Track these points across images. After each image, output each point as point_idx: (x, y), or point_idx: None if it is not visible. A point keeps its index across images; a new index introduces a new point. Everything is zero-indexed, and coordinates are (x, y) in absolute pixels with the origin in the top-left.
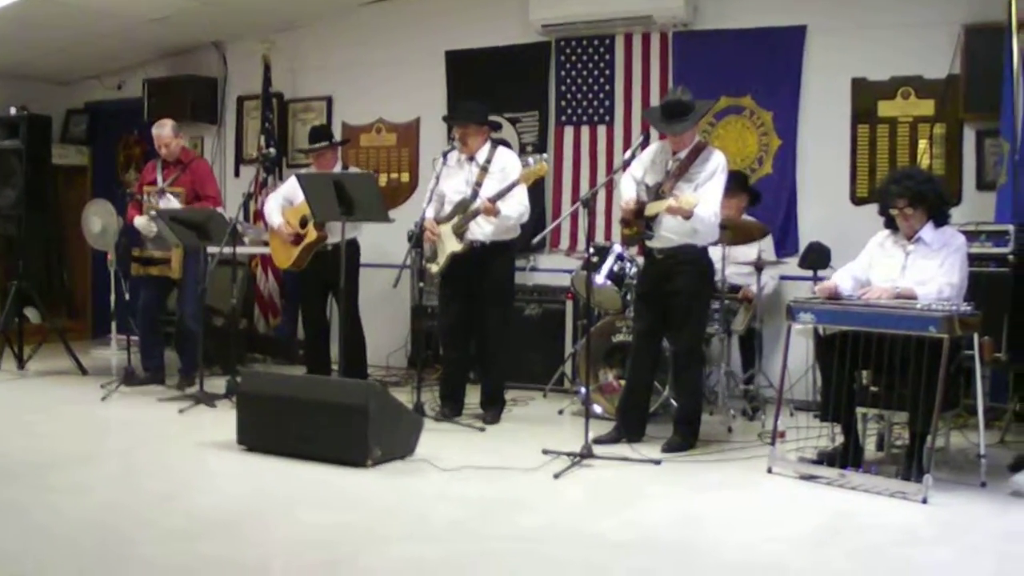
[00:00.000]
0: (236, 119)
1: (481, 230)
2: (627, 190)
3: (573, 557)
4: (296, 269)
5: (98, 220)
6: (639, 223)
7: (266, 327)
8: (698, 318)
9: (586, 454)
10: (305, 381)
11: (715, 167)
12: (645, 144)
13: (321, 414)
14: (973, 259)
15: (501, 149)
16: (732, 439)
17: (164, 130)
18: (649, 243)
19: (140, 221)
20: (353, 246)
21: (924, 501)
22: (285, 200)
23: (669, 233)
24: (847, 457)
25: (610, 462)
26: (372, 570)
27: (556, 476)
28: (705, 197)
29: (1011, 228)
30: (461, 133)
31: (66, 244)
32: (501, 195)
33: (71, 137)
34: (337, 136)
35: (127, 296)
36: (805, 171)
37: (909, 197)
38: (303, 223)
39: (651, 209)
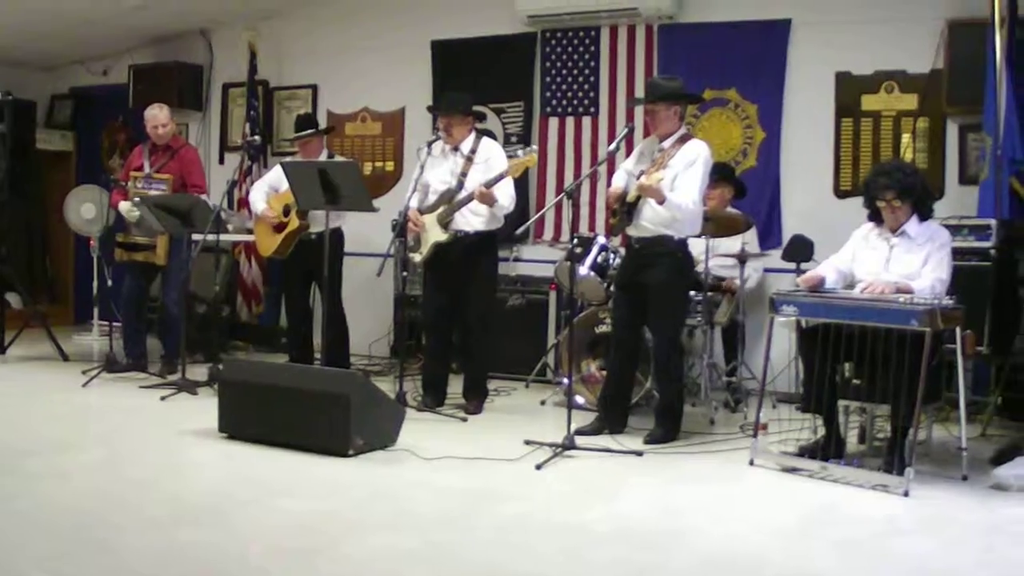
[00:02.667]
0: (221, 106)
1: (466, 220)
2: (616, 180)
3: (555, 548)
4: (279, 257)
5: (92, 206)
6: (622, 211)
7: (249, 315)
8: (676, 310)
9: (568, 445)
10: (287, 369)
11: (695, 156)
12: (630, 136)
13: (303, 403)
14: (955, 253)
15: (486, 140)
16: (714, 431)
17: (161, 112)
18: (629, 232)
19: (124, 206)
20: (337, 235)
21: (906, 494)
22: (270, 188)
23: (647, 222)
24: (829, 450)
25: (592, 453)
26: (353, 559)
27: (538, 467)
28: (683, 186)
29: (993, 222)
30: (446, 123)
31: (49, 229)
32: (491, 184)
33: (55, 122)
34: (322, 124)
35: (110, 282)
36: (789, 164)
37: (898, 189)
38: (286, 211)
39: (631, 195)
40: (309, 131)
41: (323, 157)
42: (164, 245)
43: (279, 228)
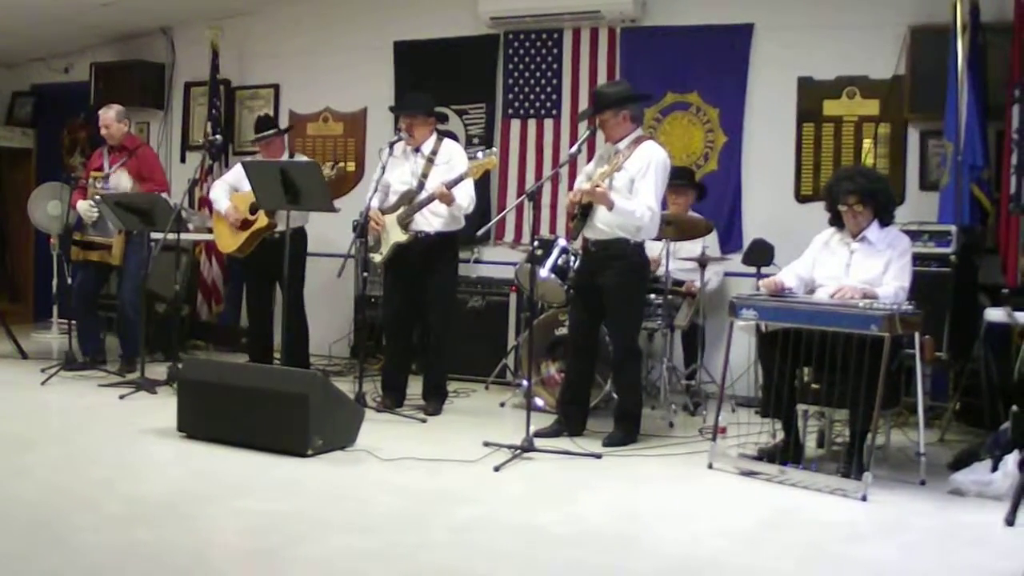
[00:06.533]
0: (183, 105)
1: (426, 221)
2: (579, 184)
3: (513, 550)
4: (240, 255)
5: (58, 203)
6: (580, 213)
7: (209, 314)
8: (631, 313)
9: (527, 447)
10: (246, 369)
11: (647, 162)
12: (592, 138)
13: (262, 402)
14: (916, 259)
15: (447, 141)
16: (673, 434)
17: (109, 112)
18: (585, 234)
19: (82, 205)
20: (300, 235)
21: (863, 498)
22: (231, 187)
23: (602, 224)
24: (787, 454)
25: (551, 455)
26: (310, 559)
27: (497, 469)
28: (640, 192)
29: (953, 228)
30: (408, 124)
31: (9, 227)
32: (452, 185)
33: (16, 119)
34: (283, 124)
35: (69, 280)
36: (750, 168)
37: (860, 194)
38: (253, 209)
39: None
40: (271, 131)
41: (285, 157)
42: (119, 245)
43: (244, 226)
